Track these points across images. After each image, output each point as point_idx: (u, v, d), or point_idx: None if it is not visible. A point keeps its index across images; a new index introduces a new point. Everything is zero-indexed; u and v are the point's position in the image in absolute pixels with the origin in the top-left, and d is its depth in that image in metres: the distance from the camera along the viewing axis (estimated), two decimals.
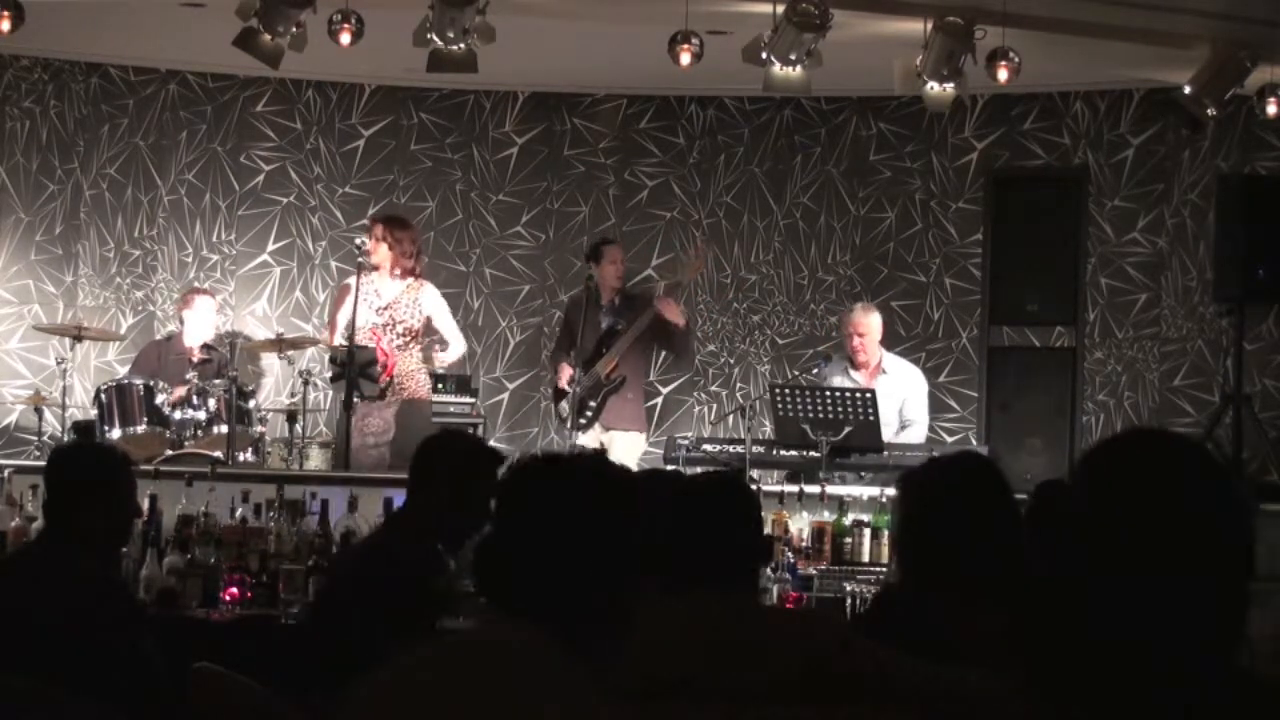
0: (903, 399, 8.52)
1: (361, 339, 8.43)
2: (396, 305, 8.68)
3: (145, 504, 6.19)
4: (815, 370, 8.93)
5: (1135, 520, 1.76)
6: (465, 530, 4.34)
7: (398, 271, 8.68)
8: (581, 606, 2.37)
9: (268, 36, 7.73)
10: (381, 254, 8.65)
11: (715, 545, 3.40)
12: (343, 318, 8.62)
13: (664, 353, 9.71)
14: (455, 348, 8.98)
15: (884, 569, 6.62)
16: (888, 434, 8.20)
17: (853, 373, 8.66)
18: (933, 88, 8.10)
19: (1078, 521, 1.81)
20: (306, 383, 8.83)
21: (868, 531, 6.81)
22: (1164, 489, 1.78)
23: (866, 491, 7.44)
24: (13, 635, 4.04)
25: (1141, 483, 1.79)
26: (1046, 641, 1.80)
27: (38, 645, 4.00)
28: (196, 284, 10.22)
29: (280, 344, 9.13)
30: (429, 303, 8.79)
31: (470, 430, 8.74)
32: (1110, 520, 1.77)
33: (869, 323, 8.68)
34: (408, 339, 8.70)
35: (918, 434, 8.64)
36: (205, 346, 9.12)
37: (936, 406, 10.35)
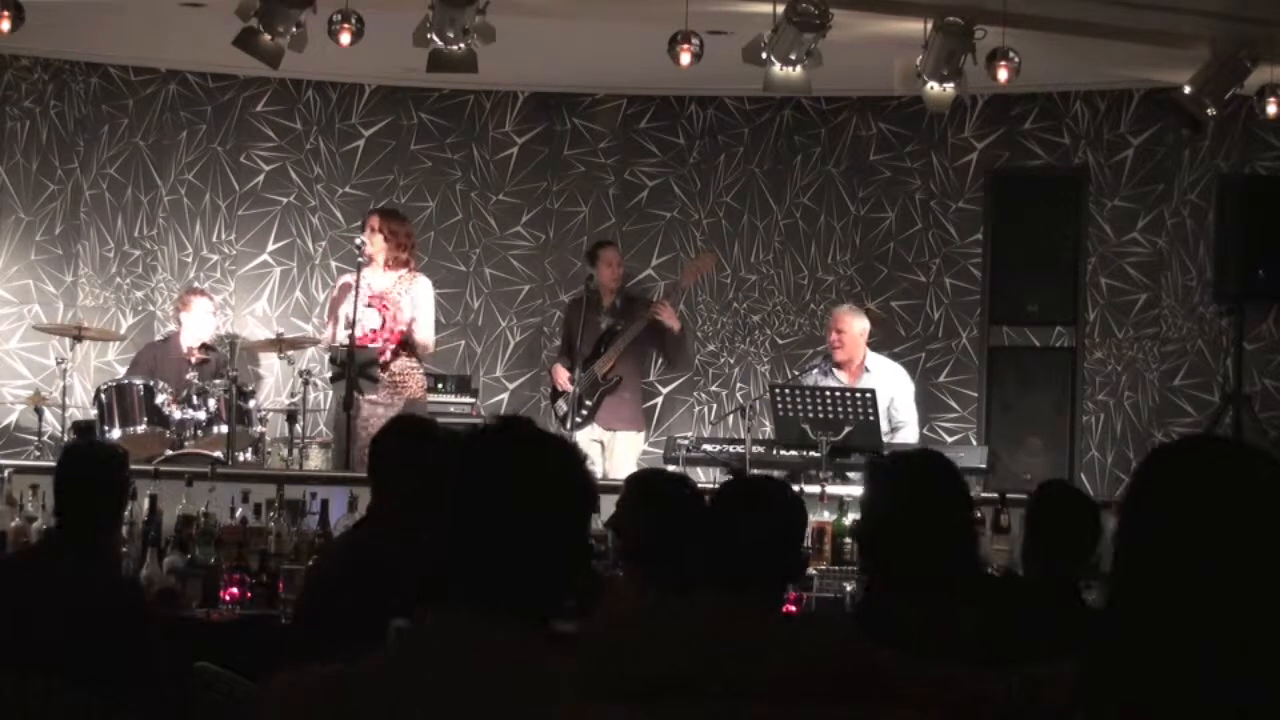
0: (889, 399, 8.49)
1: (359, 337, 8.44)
2: (389, 295, 8.66)
3: (145, 504, 6.20)
4: (798, 373, 8.99)
5: (1220, 530, 1.77)
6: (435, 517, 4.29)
7: (392, 263, 8.69)
8: (549, 593, 2.20)
9: (268, 36, 7.73)
10: (377, 245, 8.65)
11: (764, 555, 3.38)
12: (342, 315, 8.63)
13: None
14: (422, 345, 8.82)
15: None
16: None
17: (836, 372, 8.65)
18: (933, 88, 8.10)
19: (1155, 530, 1.81)
20: (306, 383, 8.84)
21: None
22: (1249, 500, 1.79)
23: None
24: (24, 634, 4.04)
25: (1226, 494, 1.80)
26: (1120, 647, 1.80)
27: (49, 645, 4.00)
28: (196, 284, 10.22)
29: (280, 344, 9.14)
30: (421, 295, 8.76)
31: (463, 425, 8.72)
32: (1194, 530, 1.78)
33: (848, 321, 8.66)
34: (402, 333, 8.68)
35: (910, 436, 8.62)
36: (204, 347, 9.12)
37: (936, 406, 10.36)
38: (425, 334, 8.79)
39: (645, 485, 4.88)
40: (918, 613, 3.47)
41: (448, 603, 2.15)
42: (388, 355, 8.56)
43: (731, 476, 3.78)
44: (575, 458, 2.24)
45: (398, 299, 8.66)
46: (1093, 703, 1.82)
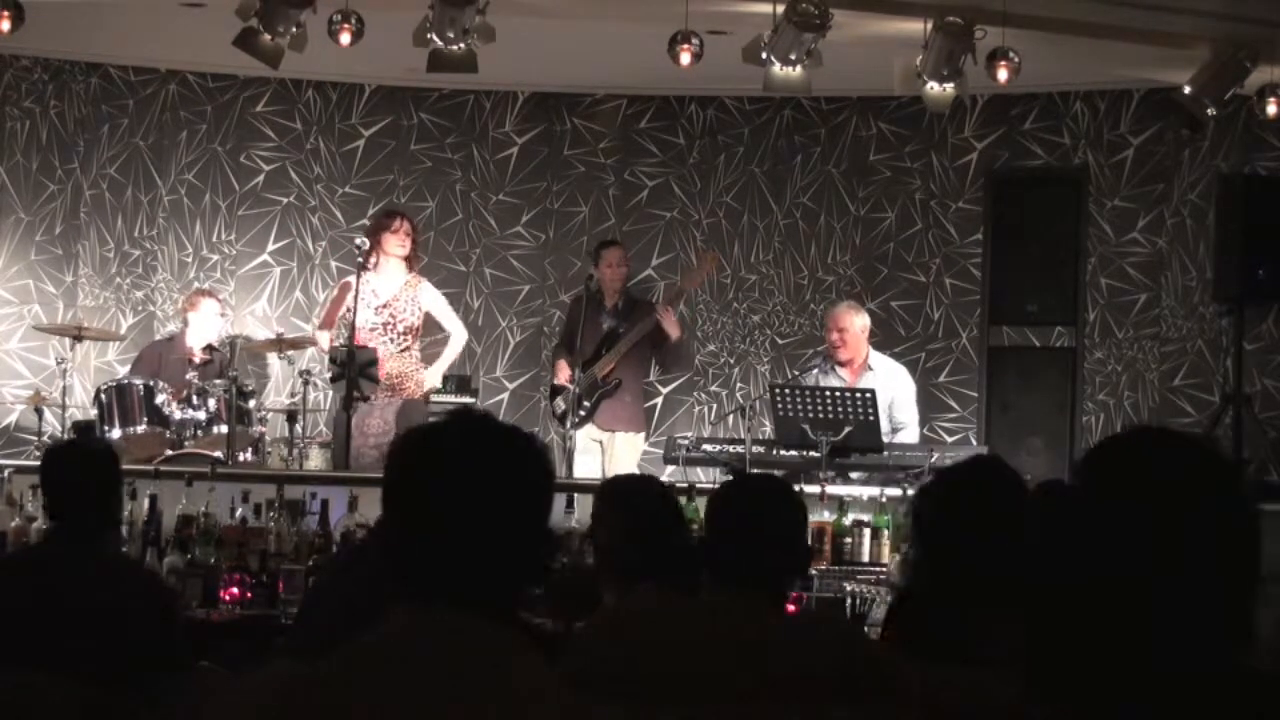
0: (890, 399, 8.48)
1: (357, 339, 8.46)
2: (396, 302, 8.72)
3: (145, 504, 6.21)
4: (798, 373, 8.99)
5: (1142, 519, 1.76)
6: None
7: (412, 268, 8.78)
8: (510, 585, 2.16)
9: (268, 36, 7.73)
10: (405, 249, 8.74)
11: (768, 551, 3.38)
12: (343, 314, 8.66)
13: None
14: (457, 339, 9.02)
15: (884, 569, 6.62)
16: None
17: (838, 370, 8.65)
18: (933, 88, 8.10)
19: (1082, 520, 1.80)
20: (306, 383, 8.83)
21: (868, 531, 6.81)
22: (1170, 487, 1.77)
23: (866, 491, 7.43)
24: (37, 633, 4.05)
25: (1147, 481, 1.78)
26: (1051, 641, 1.80)
27: (70, 641, 4.02)
28: (199, 285, 10.22)
29: (280, 344, 9.14)
30: (427, 298, 8.84)
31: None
32: (1116, 519, 1.77)
33: (849, 320, 8.64)
34: (408, 337, 8.73)
35: (910, 438, 8.61)
36: (207, 348, 9.12)
37: (936, 406, 10.36)
38: (454, 326, 9.02)
39: (615, 491, 4.88)
40: (954, 620, 3.43)
41: (411, 600, 2.13)
42: (386, 361, 8.59)
43: (732, 477, 3.75)
44: (532, 448, 2.20)
45: (405, 303, 8.72)
46: (1039, 702, 1.81)
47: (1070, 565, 1.79)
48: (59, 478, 4.46)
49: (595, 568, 4.30)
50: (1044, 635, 1.81)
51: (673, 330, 9.10)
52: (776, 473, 8.20)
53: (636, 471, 9.02)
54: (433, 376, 9.00)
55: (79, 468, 4.46)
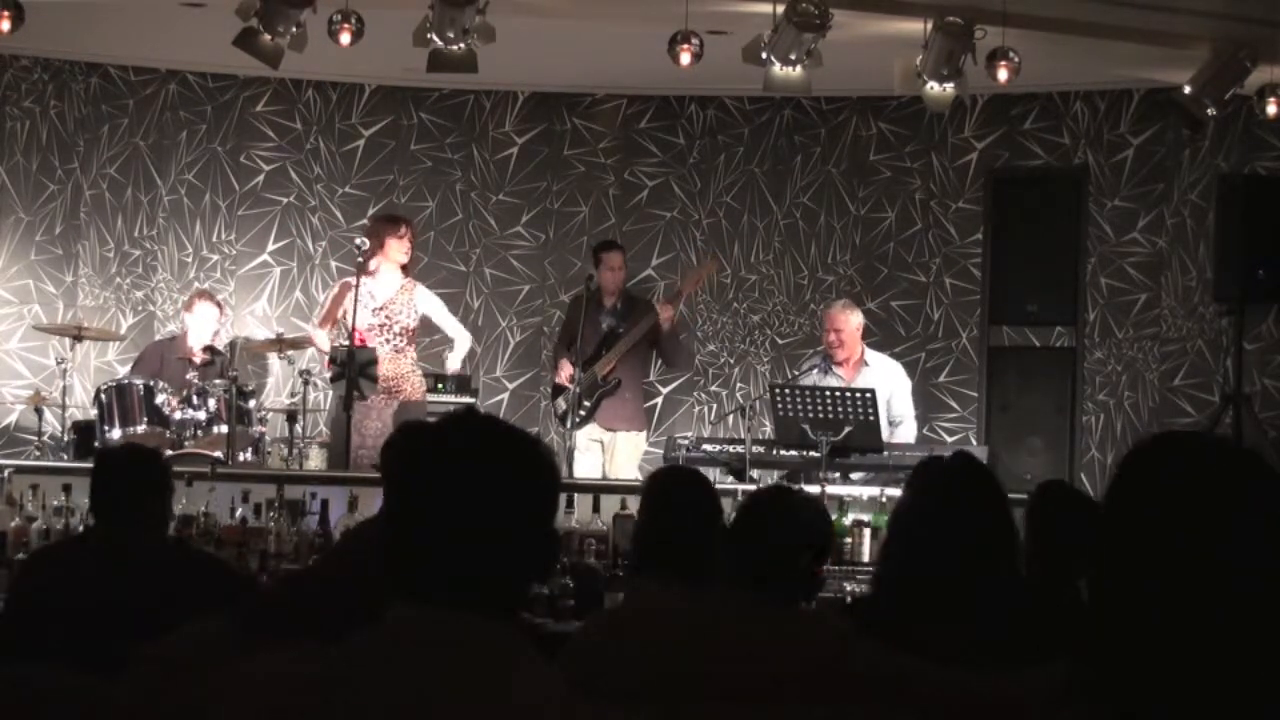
0: (888, 394, 8.50)
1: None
2: (392, 305, 8.72)
3: None
4: (796, 373, 9.00)
5: (1184, 528, 1.76)
6: None
7: (404, 272, 8.78)
8: (513, 586, 2.17)
9: (268, 36, 7.72)
10: (408, 255, 8.75)
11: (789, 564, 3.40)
12: (341, 314, 8.66)
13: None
14: (461, 342, 9.02)
15: None
16: None
17: (835, 368, 8.65)
18: (933, 88, 8.10)
19: (1121, 528, 1.80)
20: (306, 383, 8.84)
21: (868, 531, 6.80)
22: (1214, 497, 1.77)
23: (866, 491, 7.43)
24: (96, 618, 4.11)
25: (1191, 490, 1.78)
26: (1094, 644, 1.80)
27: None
28: (199, 285, 10.22)
29: (280, 344, 9.13)
30: (424, 302, 8.84)
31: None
32: (1157, 529, 1.77)
33: (845, 319, 8.65)
34: (405, 339, 8.73)
35: (909, 431, 8.63)
36: (208, 349, 9.12)
37: (936, 406, 10.36)
38: (456, 330, 9.04)
39: (663, 485, 4.86)
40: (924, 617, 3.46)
41: (412, 599, 2.12)
42: (383, 363, 8.60)
43: (766, 487, 3.77)
44: (537, 449, 2.20)
45: (401, 306, 8.73)
46: (1081, 704, 1.81)
47: (1111, 572, 1.79)
48: (111, 479, 4.57)
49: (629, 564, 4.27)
50: (1088, 638, 1.81)
51: (665, 323, 9.09)
52: (776, 474, 8.22)
53: (637, 472, 9.05)
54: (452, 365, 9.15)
55: (129, 469, 4.57)
